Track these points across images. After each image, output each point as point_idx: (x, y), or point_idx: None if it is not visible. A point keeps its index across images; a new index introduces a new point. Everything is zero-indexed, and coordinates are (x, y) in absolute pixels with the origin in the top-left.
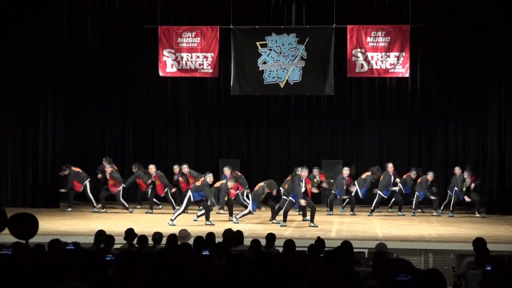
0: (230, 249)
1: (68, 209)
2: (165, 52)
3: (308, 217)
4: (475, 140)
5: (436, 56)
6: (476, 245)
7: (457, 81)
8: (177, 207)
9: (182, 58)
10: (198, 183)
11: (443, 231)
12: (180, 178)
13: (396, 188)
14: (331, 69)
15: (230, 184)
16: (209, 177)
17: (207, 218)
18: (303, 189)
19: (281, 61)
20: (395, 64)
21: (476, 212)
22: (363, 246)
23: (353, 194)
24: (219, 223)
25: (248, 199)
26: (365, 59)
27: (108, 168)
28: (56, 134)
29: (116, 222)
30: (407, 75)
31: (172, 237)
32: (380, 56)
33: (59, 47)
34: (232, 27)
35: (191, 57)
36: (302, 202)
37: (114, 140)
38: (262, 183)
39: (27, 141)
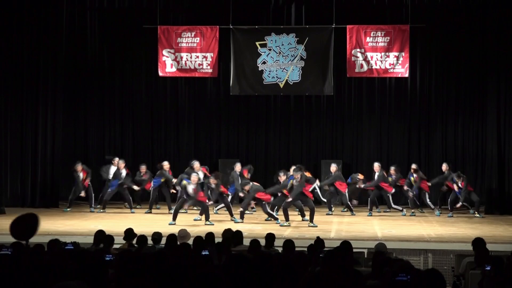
0: (230, 249)
1: (68, 209)
2: (164, 52)
3: (307, 217)
4: (474, 140)
5: (435, 56)
6: (475, 245)
7: (456, 81)
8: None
9: (181, 58)
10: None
11: (443, 231)
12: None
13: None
14: (330, 69)
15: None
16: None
17: (207, 218)
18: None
19: (280, 61)
20: (394, 64)
21: (476, 212)
22: (363, 246)
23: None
24: (219, 223)
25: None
26: (365, 59)
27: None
28: (55, 134)
29: (115, 222)
30: (406, 75)
31: (171, 237)
32: (380, 56)
33: (59, 47)
34: (231, 27)
35: (191, 57)
36: (289, 199)
37: (113, 139)
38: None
39: (27, 141)
